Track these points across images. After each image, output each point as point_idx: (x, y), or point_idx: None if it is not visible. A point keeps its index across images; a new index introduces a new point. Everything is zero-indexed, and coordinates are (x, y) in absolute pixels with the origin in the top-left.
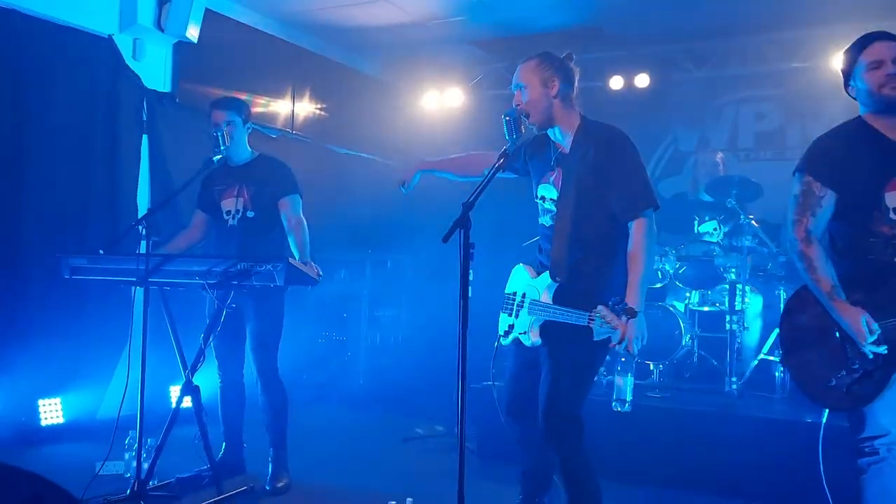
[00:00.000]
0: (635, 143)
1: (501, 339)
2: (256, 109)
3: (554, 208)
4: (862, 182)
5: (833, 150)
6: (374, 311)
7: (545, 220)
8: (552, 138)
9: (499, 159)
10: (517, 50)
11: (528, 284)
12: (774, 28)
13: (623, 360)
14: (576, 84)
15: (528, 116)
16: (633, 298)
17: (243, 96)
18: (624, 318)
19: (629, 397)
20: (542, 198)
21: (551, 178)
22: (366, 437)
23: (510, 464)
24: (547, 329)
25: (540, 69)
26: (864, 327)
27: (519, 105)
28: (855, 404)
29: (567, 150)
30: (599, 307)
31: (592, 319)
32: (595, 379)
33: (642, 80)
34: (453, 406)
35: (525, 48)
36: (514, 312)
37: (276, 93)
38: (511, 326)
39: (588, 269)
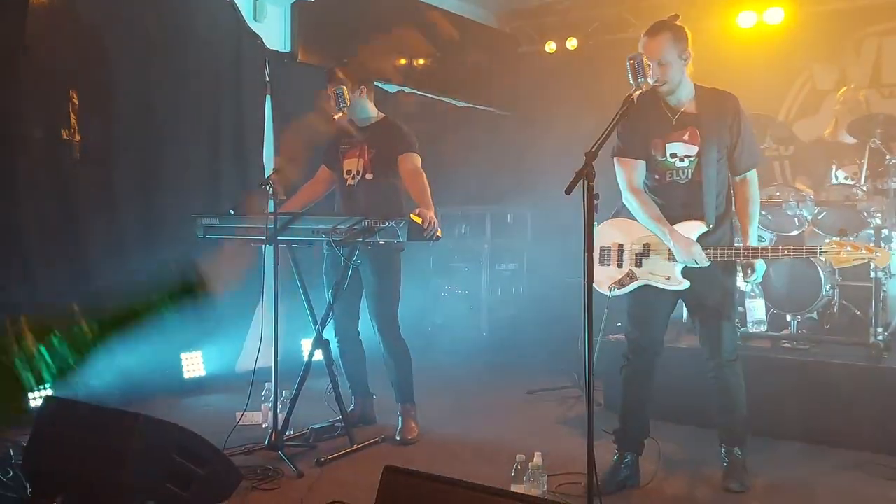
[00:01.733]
0: (769, 81)
1: (615, 289)
2: (374, 64)
3: (689, 164)
4: None
5: None
6: (494, 265)
7: (676, 176)
8: (667, 101)
9: (624, 104)
10: None
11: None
12: None
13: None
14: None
15: (658, 83)
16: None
17: (362, 52)
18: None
19: (765, 316)
20: (673, 155)
21: (684, 137)
22: (490, 390)
23: None
24: (691, 272)
25: (676, 45)
26: None
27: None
28: None
29: (694, 110)
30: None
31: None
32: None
33: (773, 16)
34: (574, 358)
35: None
36: (630, 262)
37: (393, 48)
38: (630, 276)
39: (723, 215)
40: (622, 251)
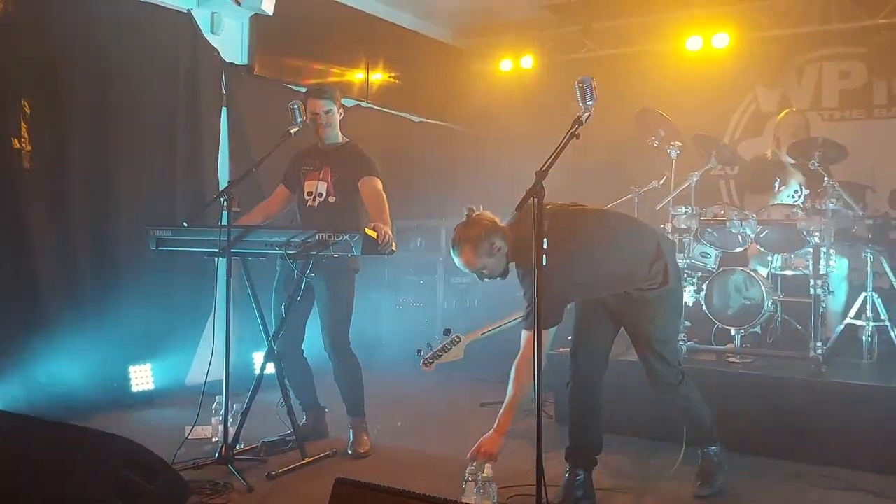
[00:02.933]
0: (715, 103)
1: None
2: (331, 80)
3: None
4: None
5: None
6: (449, 278)
7: None
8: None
9: (573, 125)
10: (587, 14)
11: None
12: None
13: None
14: None
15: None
16: None
17: (318, 67)
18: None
19: None
20: None
21: None
22: (444, 402)
23: None
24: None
25: None
26: None
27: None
28: None
29: None
30: None
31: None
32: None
33: (721, 40)
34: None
35: (596, 12)
36: None
37: (350, 62)
38: None
39: None
40: None
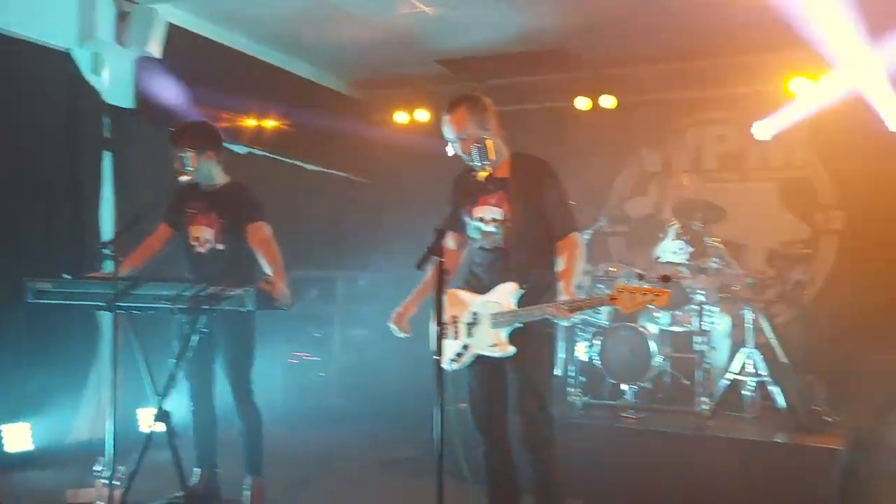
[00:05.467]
0: (603, 162)
1: (452, 363)
2: (221, 125)
3: (500, 228)
4: None
5: None
6: (347, 331)
7: (490, 241)
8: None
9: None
10: (483, 70)
11: (479, 302)
12: (732, 52)
13: None
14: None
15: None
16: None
17: (208, 112)
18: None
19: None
20: (482, 219)
21: (492, 201)
22: (343, 460)
23: None
24: (514, 336)
25: (476, 118)
26: None
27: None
28: None
29: (507, 174)
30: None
31: (615, 298)
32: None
33: (607, 101)
34: (429, 427)
35: (491, 69)
36: (465, 333)
37: (242, 108)
38: (465, 347)
39: (541, 275)
40: (457, 323)
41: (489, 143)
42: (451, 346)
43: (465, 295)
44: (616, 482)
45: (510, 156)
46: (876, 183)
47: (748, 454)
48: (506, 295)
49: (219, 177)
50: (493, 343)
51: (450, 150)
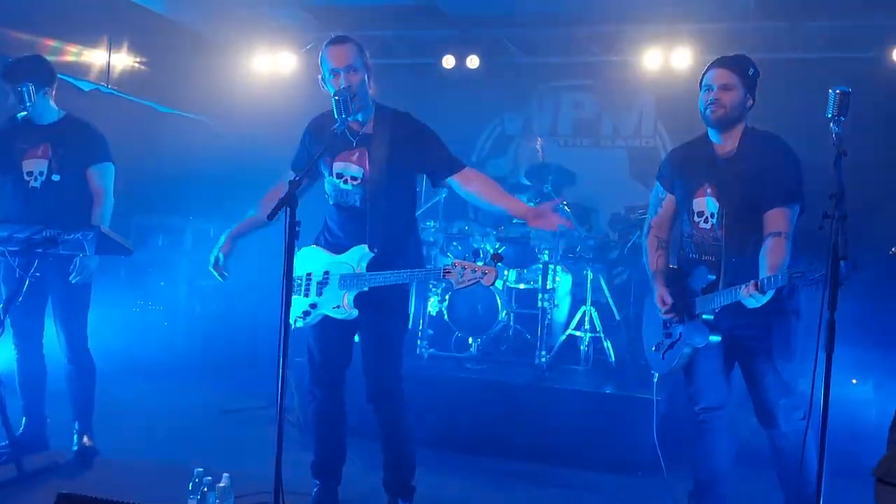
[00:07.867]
0: (468, 121)
1: (300, 320)
2: (67, 59)
3: (359, 188)
4: (681, 188)
5: (674, 160)
6: (195, 281)
7: (347, 200)
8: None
9: (328, 140)
10: (350, 20)
11: (332, 262)
12: (594, 21)
13: None
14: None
15: (354, 98)
16: None
17: (52, 43)
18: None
19: None
20: (340, 176)
21: (352, 158)
22: (182, 410)
23: None
24: (361, 299)
25: (364, 56)
26: (660, 299)
27: (350, 86)
28: (669, 369)
29: (371, 131)
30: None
31: (449, 272)
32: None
33: (473, 62)
34: (274, 378)
35: (358, 19)
36: (314, 292)
37: (89, 42)
38: (313, 305)
39: (399, 239)
40: (310, 280)
41: (372, 84)
42: (299, 303)
43: (320, 253)
44: (460, 430)
45: (375, 112)
46: None
47: (580, 403)
48: (356, 258)
49: (54, 110)
50: (338, 304)
51: (323, 86)
